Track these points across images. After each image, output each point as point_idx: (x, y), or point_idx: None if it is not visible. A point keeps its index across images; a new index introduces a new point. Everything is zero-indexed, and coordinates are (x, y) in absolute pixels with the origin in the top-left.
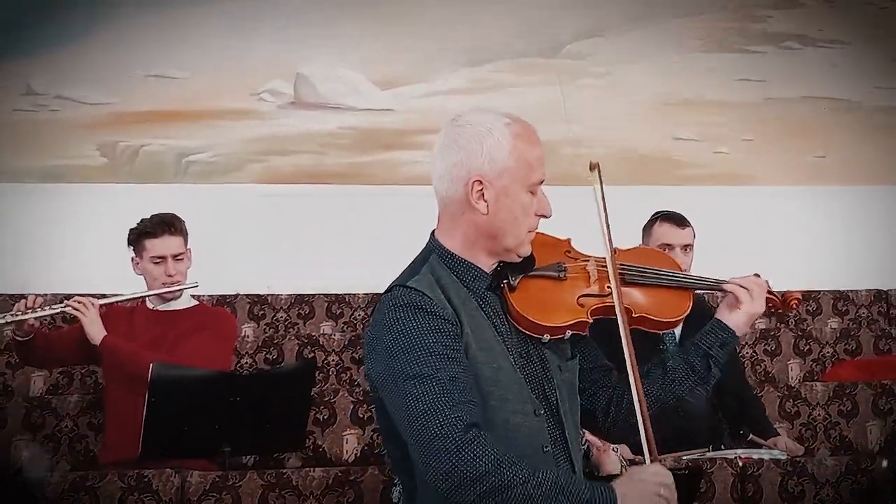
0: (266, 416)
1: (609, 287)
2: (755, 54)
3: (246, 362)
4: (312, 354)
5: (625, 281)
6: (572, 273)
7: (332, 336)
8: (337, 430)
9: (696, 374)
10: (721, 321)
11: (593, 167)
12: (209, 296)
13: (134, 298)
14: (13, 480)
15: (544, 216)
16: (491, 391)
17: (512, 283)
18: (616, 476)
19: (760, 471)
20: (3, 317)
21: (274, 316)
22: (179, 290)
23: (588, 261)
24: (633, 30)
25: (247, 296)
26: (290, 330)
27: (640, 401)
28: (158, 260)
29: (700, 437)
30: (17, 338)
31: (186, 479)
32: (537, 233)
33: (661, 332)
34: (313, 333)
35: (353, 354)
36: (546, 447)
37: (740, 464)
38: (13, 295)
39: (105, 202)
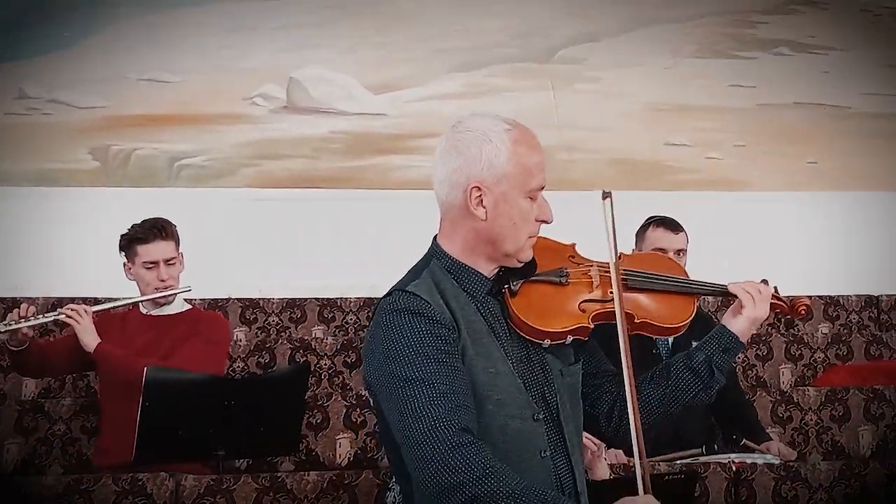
0: (260, 419)
1: (611, 293)
2: (747, 60)
3: (238, 366)
4: (305, 358)
5: (627, 286)
6: (574, 278)
7: (325, 340)
8: (330, 434)
9: (700, 380)
10: (725, 327)
11: (606, 196)
12: (201, 300)
13: (127, 304)
14: (7, 482)
15: (545, 222)
16: (488, 396)
17: (513, 287)
18: (605, 482)
19: (754, 475)
20: None
21: (266, 320)
22: (172, 294)
23: (591, 266)
24: (627, 35)
25: (239, 300)
26: (283, 334)
27: (635, 419)
28: (151, 265)
29: (693, 441)
30: (12, 348)
31: (181, 482)
32: (541, 237)
33: (654, 338)
34: (305, 337)
35: (346, 358)
36: (544, 452)
37: (734, 468)
38: (4, 298)
39: (97, 206)
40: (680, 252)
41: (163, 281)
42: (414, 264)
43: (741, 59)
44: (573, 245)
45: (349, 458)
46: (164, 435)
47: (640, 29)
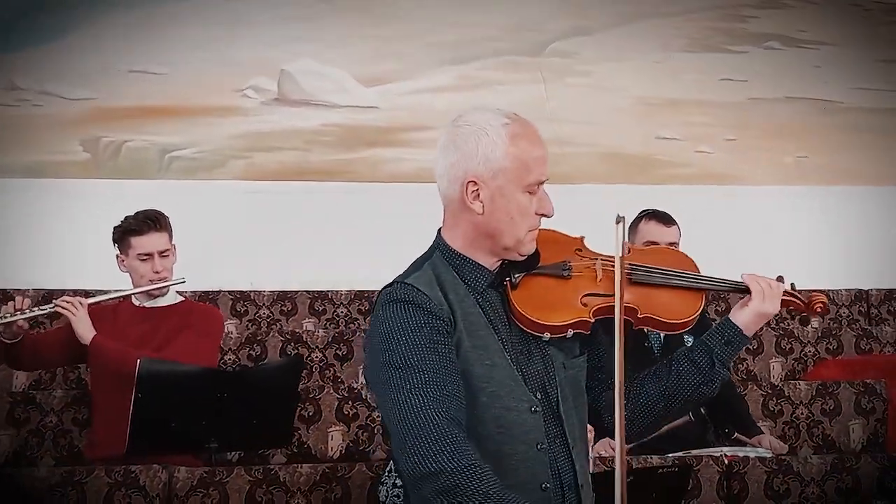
0: (253, 412)
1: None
2: (738, 54)
3: (229, 359)
4: (296, 351)
5: (633, 280)
6: (577, 272)
7: (316, 333)
8: (322, 426)
9: (701, 373)
10: (729, 319)
11: (619, 220)
12: (192, 292)
13: (123, 296)
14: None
15: (545, 215)
16: (482, 387)
17: (514, 280)
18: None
19: (746, 469)
20: None
21: (257, 312)
22: (167, 286)
23: (596, 260)
24: (618, 29)
25: (229, 292)
26: (273, 326)
27: (620, 416)
28: (145, 257)
29: (685, 435)
30: (5, 340)
31: (174, 474)
32: (549, 230)
33: (646, 330)
34: (296, 330)
35: (337, 351)
36: (541, 445)
37: (726, 462)
38: None
39: (88, 198)
40: (672, 245)
41: (157, 273)
42: (418, 256)
43: (732, 53)
44: (581, 238)
45: (341, 450)
46: (157, 427)
47: (632, 23)
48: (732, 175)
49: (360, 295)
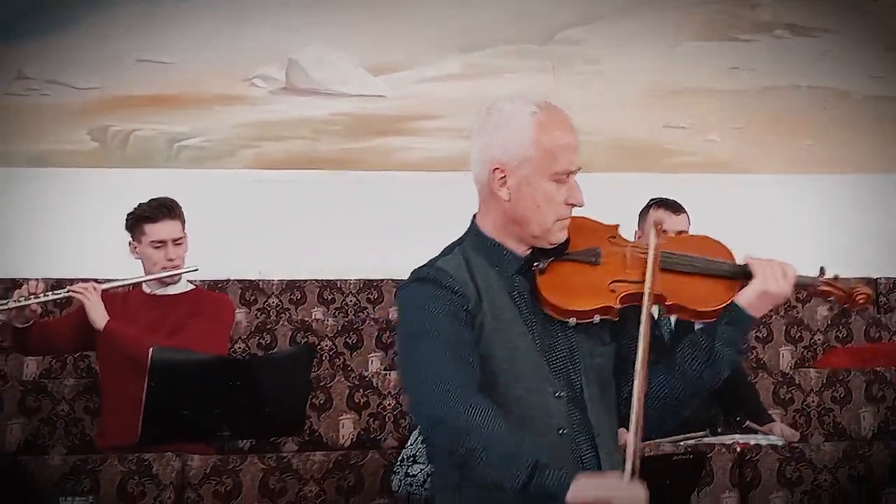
0: (265, 400)
1: (644, 274)
2: (746, 43)
3: (239, 347)
4: (306, 339)
5: (662, 268)
6: (607, 258)
7: (325, 322)
8: (333, 414)
9: (703, 354)
10: (733, 299)
11: (658, 233)
12: (201, 281)
13: (133, 283)
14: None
15: (574, 205)
16: (503, 369)
17: (541, 266)
18: None
19: (759, 456)
20: (6, 303)
21: (266, 301)
22: (180, 273)
23: (626, 247)
24: (626, 18)
25: (238, 281)
26: (283, 315)
27: (638, 403)
28: (158, 244)
29: (696, 422)
30: (16, 324)
31: (187, 462)
32: (584, 218)
33: (659, 320)
34: (306, 319)
35: (347, 340)
36: (562, 430)
37: (738, 449)
38: (3, 279)
39: (96, 187)
40: (681, 233)
41: (170, 260)
42: (428, 244)
43: (740, 41)
44: (616, 226)
45: (352, 438)
46: (170, 415)
47: (640, 11)
48: (741, 164)
49: (369, 284)
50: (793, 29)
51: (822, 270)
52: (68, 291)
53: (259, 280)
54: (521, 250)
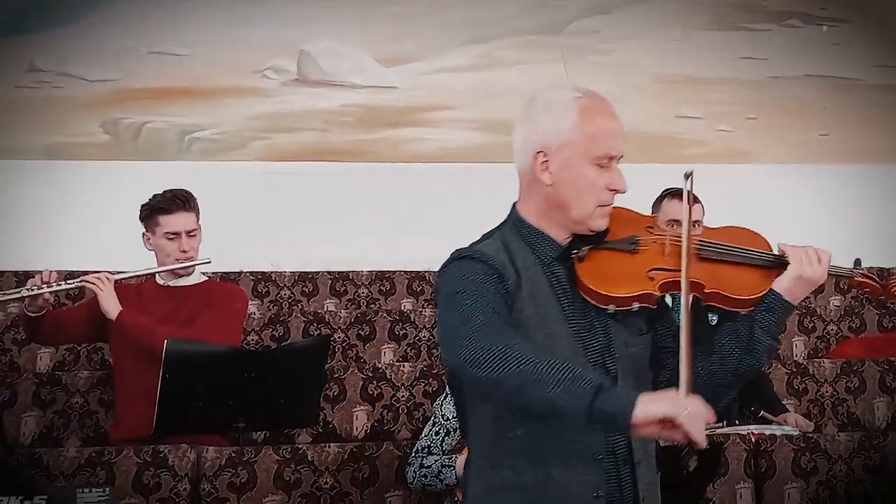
0: (280, 392)
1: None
2: (758, 32)
3: (252, 339)
4: (319, 331)
5: (701, 256)
6: (645, 246)
7: (338, 313)
8: (347, 406)
9: (742, 342)
10: (770, 287)
11: (688, 176)
12: (213, 273)
13: (146, 274)
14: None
15: (617, 191)
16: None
17: (580, 253)
18: None
19: (773, 446)
20: (19, 291)
21: (278, 293)
22: (194, 265)
23: (664, 236)
24: (638, 7)
25: (251, 273)
26: (295, 307)
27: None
28: (172, 236)
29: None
30: (29, 313)
31: (202, 454)
32: (622, 207)
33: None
34: (318, 311)
35: (360, 332)
36: None
37: (753, 440)
38: (17, 272)
39: (108, 179)
40: (695, 224)
41: (184, 252)
42: (439, 236)
43: (753, 31)
44: (653, 217)
45: (366, 430)
46: (185, 407)
47: (652, 1)
48: (753, 153)
49: (381, 275)
50: (805, 18)
51: (857, 262)
52: (81, 281)
53: (271, 272)
54: (562, 238)
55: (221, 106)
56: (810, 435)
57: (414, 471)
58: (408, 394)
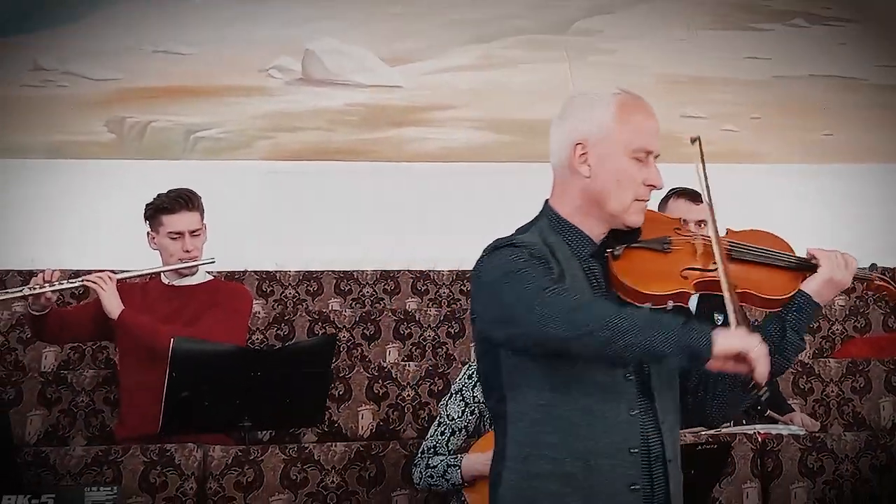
0: (286, 391)
1: (714, 263)
2: (762, 32)
3: (257, 338)
4: (324, 330)
5: (730, 257)
6: (677, 246)
7: (343, 313)
8: (352, 405)
9: (771, 340)
10: (800, 288)
11: (694, 140)
12: (217, 272)
13: (152, 273)
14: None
15: (654, 186)
16: None
17: (616, 252)
18: None
19: (780, 446)
20: (21, 290)
21: (283, 293)
22: (197, 265)
23: (695, 237)
24: (642, 7)
25: (255, 272)
26: (300, 306)
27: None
28: (176, 235)
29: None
30: (33, 312)
31: (208, 453)
32: (650, 210)
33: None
34: (323, 310)
35: (364, 331)
36: (633, 411)
37: (759, 439)
38: (21, 271)
39: (113, 178)
40: (701, 223)
41: (187, 252)
42: (446, 233)
43: (756, 30)
44: (679, 218)
45: (371, 429)
46: (191, 406)
47: (655, 1)
48: (757, 153)
49: (385, 274)
50: (809, 17)
51: (873, 266)
52: (83, 281)
53: (276, 271)
54: (597, 234)
55: (226, 105)
56: (817, 434)
57: (420, 471)
58: (413, 393)
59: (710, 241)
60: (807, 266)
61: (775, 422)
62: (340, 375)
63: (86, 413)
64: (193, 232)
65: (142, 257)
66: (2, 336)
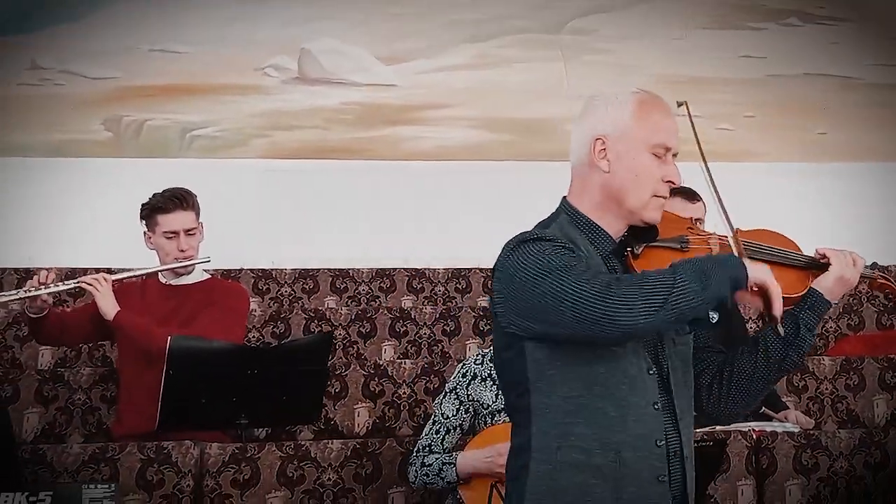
0: (283, 388)
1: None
2: (757, 31)
3: (253, 336)
4: (320, 328)
5: (746, 256)
6: (694, 245)
7: (339, 310)
8: (348, 403)
9: (785, 338)
10: (811, 286)
11: (680, 104)
12: (214, 270)
13: (147, 273)
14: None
15: (672, 182)
16: None
17: (636, 251)
18: None
19: (774, 443)
20: (17, 293)
21: (279, 290)
22: (192, 264)
23: (711, 236)
24: (637, 6)
25: (252, 270)
26: (296, 304)
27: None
28: (171, 235)
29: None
30: (31, 315)
31: (205, 450)
32: (665, 211)
33: None
34: (319, 308)
35: (360, 329)
36: (656, 404)
37: (754, 436)
38: (18, 269)
39: (110, 176)
40: (697, 221)
41: (183, 251)
42: (444, 232)
43: (751, 30)
44: (691, 218)
45: (367, 427)
46: (188, 403)
47: (651, 0)
48: (752, 152)
49: (381, 272)
50: (803, 17)
51: (874, 265)
52: (78, 282)
53: (272, 269)
54: (616, 231)
55: (222, 103)
56: (811, 432)
57: (415, 470)
58: (409, 391)
59: (726, 241)
60: (816, 265)
61: (770, 419)
62: (337, 373)
63: (82, 411)
64: (189, 231)
65: (139, 255)
66: None
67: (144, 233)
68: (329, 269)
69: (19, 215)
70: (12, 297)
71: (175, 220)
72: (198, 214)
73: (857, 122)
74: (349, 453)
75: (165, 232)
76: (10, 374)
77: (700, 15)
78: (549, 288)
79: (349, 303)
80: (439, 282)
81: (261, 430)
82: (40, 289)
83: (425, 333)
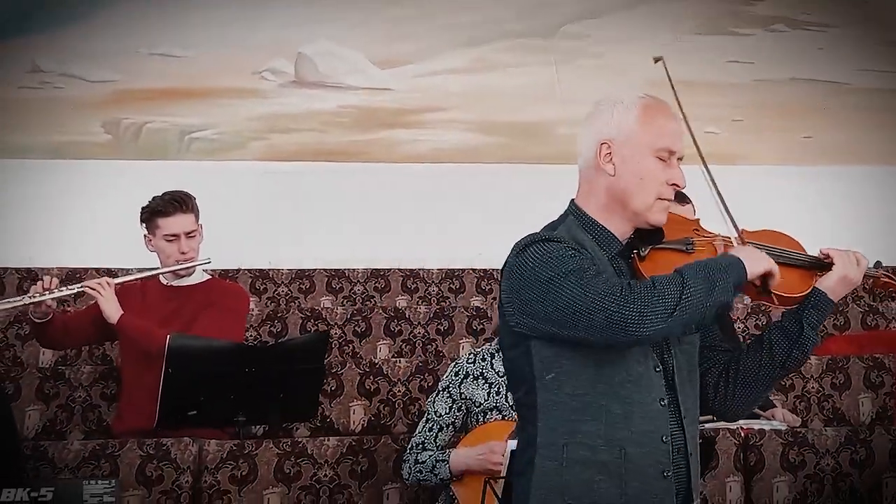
0: (280, 386)
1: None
2: (745, 37)
3: (251, 335)
4: (316, 327)
5: None
6: (700, 247)
7: (335, 310)
8: (344, 401)
9: (791, 339)
10: (815, 286)
11: (657, 60)
12: (212, 270)
13: (149, 276)
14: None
15: (676, 186)
16: None
17: (642, 253)
18: None
19: (762, 441)
20: (22, 299)
21: (276, 290)
22: (193, 266)
23: (716, 237)
24: (628, 12)
25: (249, 270)
26: (293, 304)
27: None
28: (171, 238)
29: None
30: (35, 320)
31: (204, 447)
32: (669, 213)
33: None
34: (315, 307)
35: (356, 328)
36: (662, 401)
37: (742, 434)
38: (19, 269)
39: (109, 178)
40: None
41: (183, 253)
42: (440, 232)
43: (739, 35)
44: (697, 220)
45: (363, 424)
46: (186, 401)
47: (642, 5)
48: (739, 155)
49: (376, 273)
50: (790, 23)
51: (878, 264)
52: (82, 287)
53: (269, 269)
54: (622, 233)
55: (221, 106)
56: (798, 430)
57: (409, 467)
58: (404, 389)
59: (730, 242)
60: (820, 265)
61: (757, 417)
62: (333, 371)
63: (83, 408)
64: (189, 233)
65: (138, 256)
66: (0, 333)
67: (145, 235)
68: (325, 270)
69: (20, 216)
70: (17, 304)
71: (175, 223)
72: (197, 217)
73: (843, 127)
74: (345, 450)
75: (166, 235)
76: (12, 371)
77: (689, 20)
78: (559, 293)
79: (345, 302)
80: (433, 282)
81: (258, 427)
82: (44, 294)
83: (419, 333)
